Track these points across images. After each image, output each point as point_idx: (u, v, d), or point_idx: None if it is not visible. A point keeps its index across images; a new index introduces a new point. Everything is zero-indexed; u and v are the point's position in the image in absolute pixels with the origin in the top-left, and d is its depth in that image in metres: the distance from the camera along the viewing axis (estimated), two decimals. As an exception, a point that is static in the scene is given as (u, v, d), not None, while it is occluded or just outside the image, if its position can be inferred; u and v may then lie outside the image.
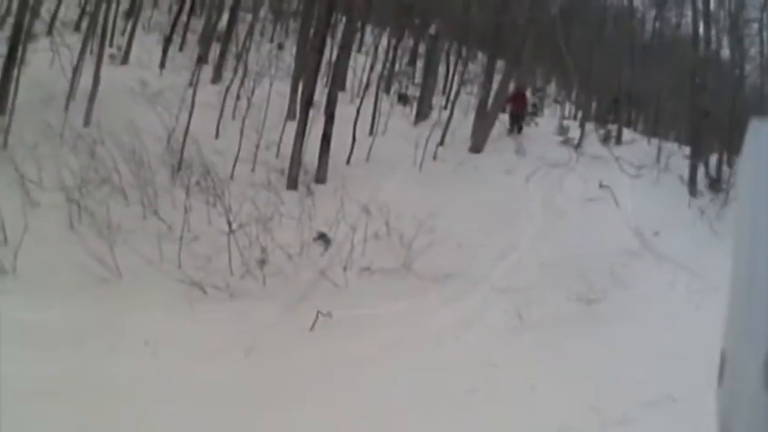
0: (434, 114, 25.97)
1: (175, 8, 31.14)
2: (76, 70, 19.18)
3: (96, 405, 8.07)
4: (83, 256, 11.62)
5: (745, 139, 1.79)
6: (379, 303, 12.63)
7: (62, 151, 15.70)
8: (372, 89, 24.43)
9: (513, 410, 9.57)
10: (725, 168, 23.73)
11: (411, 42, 35.11)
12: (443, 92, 31.36)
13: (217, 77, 24.13)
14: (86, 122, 17.85)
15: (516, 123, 26.79)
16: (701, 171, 22.69)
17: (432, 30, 30.82)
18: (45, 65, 19.96)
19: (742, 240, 1.75)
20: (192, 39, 28.34)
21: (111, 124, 16.66)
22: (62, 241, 12.53)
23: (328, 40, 22.77)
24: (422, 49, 33.54)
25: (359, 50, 30.94)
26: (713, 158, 24.25)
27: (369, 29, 33.87)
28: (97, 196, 13.97)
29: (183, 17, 29.74)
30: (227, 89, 20.55)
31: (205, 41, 26.68)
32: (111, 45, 24.34)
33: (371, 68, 26.82)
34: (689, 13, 30.31)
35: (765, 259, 1.68)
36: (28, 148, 15.25)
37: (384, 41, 31.15)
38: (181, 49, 27.74)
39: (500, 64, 26.44)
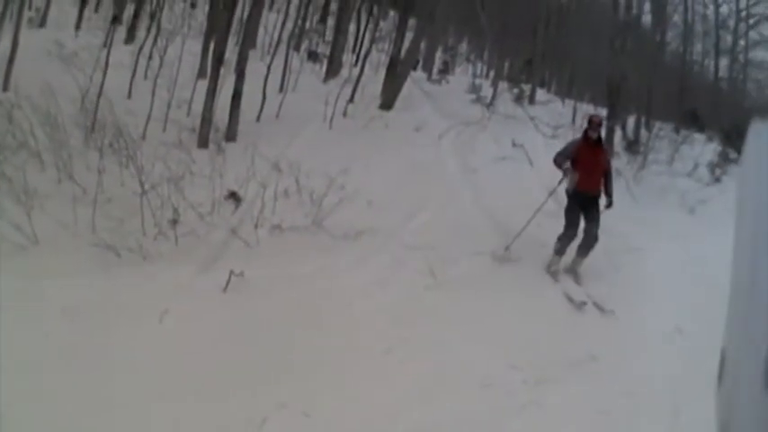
0: (345, 72, 25.81)
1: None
2: (-3, 35, 18.78)
3: (8, 377, 7.80)
4: (1, 223, 11.29)
5: (746, 141, 1.76)
6: (290, 262, 12.41)
7: (-20, 117, 15.32)
8: (283, 47, 24.14)
9: (430, 369, 9.46)
10: (642, 131, 23.89)
11: (322, 0, 34.84)
12: (354, 50, 31.18)
13: (130, 37, 23.78)
14: (5, 87, 17.48)
15: None
16: (618, 134, 22.78)
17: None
18: (-35, 30, 19.53)
19: (742, 241, 1.71)
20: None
21: (29, 88, 16.26)
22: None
23: (240, -2, 22.56)
24: (334, 7, 33.28)
25: (270, 8, 30.67)
26: (630, 121, 24.33)
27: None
28: (15, 162, 13.56)
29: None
30: (140, 49, 20.21)
31: (119, 1, 26.26)
32: (30, 8, 23.90)
33: (283, 26, 26.55)
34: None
35: (766, 260, 1.63)
36: (-53, 115, 14.90)
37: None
38: (96, 9, 27.32)
39: (412, 22, 26.31)
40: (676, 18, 32.22)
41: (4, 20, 19.20)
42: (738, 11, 33.23)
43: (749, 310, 1.61)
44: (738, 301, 1.67)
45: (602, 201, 13.17)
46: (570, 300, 11.99)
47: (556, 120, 23.54)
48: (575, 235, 12.97)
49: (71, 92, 16.94)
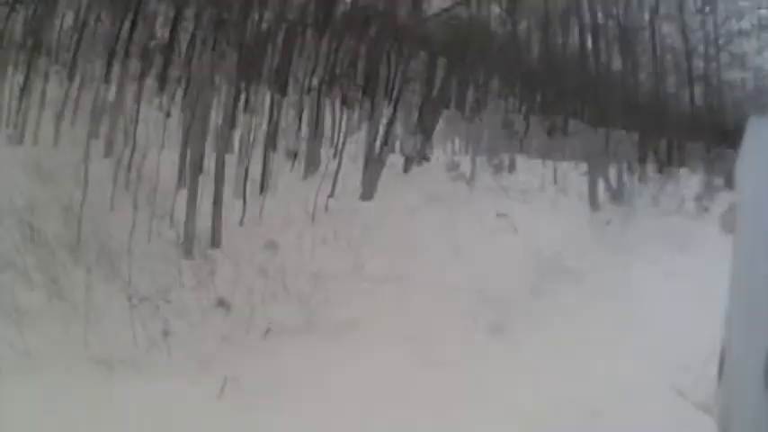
0: (323, 167, 26.13)
1: (67, 83, 30.94)
2: (-27, 153, 19.08)
3: None
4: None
5: (745, 137, 1.96)
6: (284, 363, 12.73)
7: (-38, 236, 15.60)
8: (260, 148, 24.51)
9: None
10: (626, 177, 24.14)
11: (296, 97, 35.19)
12: (331, 142, 31.52)
13: (108, 151, 24.03)
14: (-13, 204, 17.75)
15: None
16: (600, 185, 23.06)
17: (314, 81, 31.12)
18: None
19: (742, 239, 1.90)
20: (84, 113, 28.18)
21: (12, 205, 16.59)
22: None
23: (214, 104, 22.91)
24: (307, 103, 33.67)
25: (245, 110, 30.99)
26: (612, 170, 24.60)
27: (252, 89, 33.99)
28: (2, 281, 13.88)
29: (74, 92, 29.58)
30: (119, 162, 20.50)
31: (96, 115, 26.56)
32: (7, 126, 24.21)
33: (258, 127, 26.93)
34: (575, 29, 30.86)
35: (766, 259, 1.77)
36: (-72, 239, 15.19)
37: (268, 99, 31.26)
38: (72, 124, 27.55)
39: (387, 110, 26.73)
40: (646, 59, 32.70)
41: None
42: (706, 35, 33.72)
43: (749, 310, 1.82)
44: (738, 301, 1.88)
45: None
46: None
47: (535, 184, 24.04)
48: None
49: (52, 209, 17.21)
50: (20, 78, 28.38)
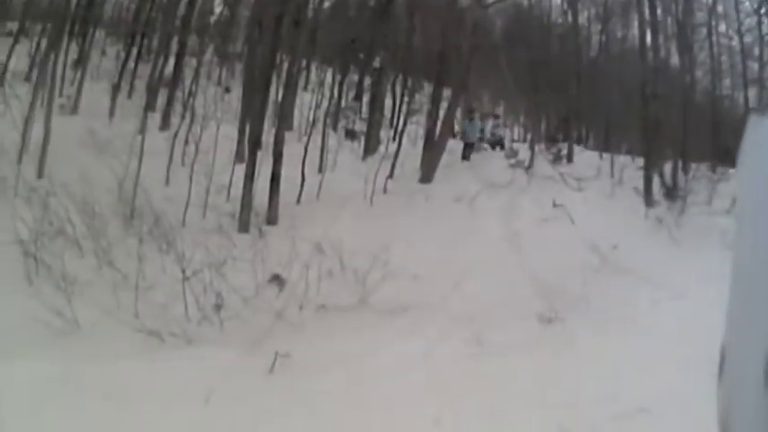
0: (382, 148, 26.00)
1: (123, 55, 31.03)
2: (28, 122, 19.06)
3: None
4: (41, 309, 11.46)
5: (745, 135, 1.80)
6: (336, 341, 12.53)
7: (16, 204, 15.57)
8: (319, 126, 24.38)
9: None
10: (680, 175, 23.88)
11: (356, 77, 35.07)
12: (391, 124, 31.38)
13: (165, 124, 24.06)
14: (39, 174, 17.76)
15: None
16: (656, 181, 22.82)
17: (376, 63, 30.94)
18: (-4, 116, 19.90)
19: (742, 237, 1.75)
20: (141, 85, 28.23)
21: (64, 175, 16.57)
22: (20, 295, 12.33)
23: (273, 80, 22.78)
24: (367, 82, 33.53)
25: (305, 88, 30.96)
26: (667, 167, 24.33)
27: (313, 66, 33.89)
28: (52, 249, 13.82)
29: (131, 64, 29.63)
30: (176, 135, 20.45)
31: (152, 88, 26.59)
32: (61, 95, 24.24)
33: (318, 106, 26.82)
34: (635, 23, 30.49)
35: (766, 257, 1.65)
36: (-19, 203, 15.23)
37: (329, 78, 31.16)
38: (129, 96, 27.62)
39: (446, 92, 26.49)
40: (703, 56, 32.33)
41: (35, 107, 19.48)
42: (761, 36, 33.17)
43: (749, 309, 1.68)
44: (738, 300, 1.75)
45: None
46: None
47: (593, 175, 23.66)
48: None
49: (107, 180, 17.20)
50: (75, 50, 28.58)
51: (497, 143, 31.14)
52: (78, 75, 26.74)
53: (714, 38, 33.18)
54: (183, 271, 13.13)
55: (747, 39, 33.48)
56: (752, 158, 1.82)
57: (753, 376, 1.57)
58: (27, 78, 25.90)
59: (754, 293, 1.67)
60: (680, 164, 25.24)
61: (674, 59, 30.11)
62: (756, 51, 33.54)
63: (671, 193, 22.55)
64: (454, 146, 28.42)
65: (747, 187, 1.82)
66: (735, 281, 1.78)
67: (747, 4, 32.35)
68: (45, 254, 13.51)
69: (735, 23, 33.41)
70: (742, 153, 1.84)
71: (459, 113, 30.15)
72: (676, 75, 30.02)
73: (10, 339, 10.74)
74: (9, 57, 26.71)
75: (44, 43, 23.73)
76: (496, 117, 32.58)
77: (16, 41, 28.04)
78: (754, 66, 33.93)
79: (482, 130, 30.99)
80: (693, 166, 24.23)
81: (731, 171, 23.56)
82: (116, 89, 26.51)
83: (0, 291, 12.26)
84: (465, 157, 27.04)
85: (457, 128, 31.66)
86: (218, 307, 13.08)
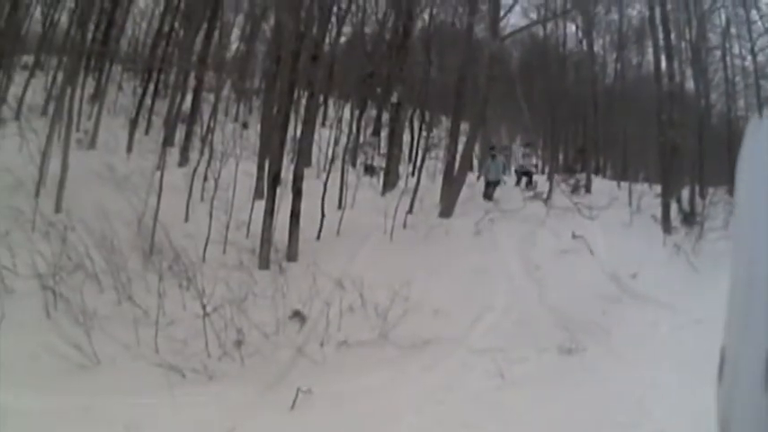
0: (402, 183, 26.07)
1: (140, 91, 31.21)
2: (45, 156, 19.20)
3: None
4: (60, 343, 11.55)
5: (744, 137, 1.82)
6: (358, 376, 12.57)
7: (34, 238, 15.73)
8: (338, 162, 24.46)
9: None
10: (698, 200, 23.93)
11: (374, 112, 35.17)
12: (409, 159, 31.45)
13: (183, 160, 24.17)
14: (57, 209, 17.89)
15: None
16: (673, 208, 22.87)
17: (394, 98, 31.04)
18: (13, 150, 20.10)
19: (741, 239, 1.76)
20: (158, 121, 28.41)
21: (82, 210, 16.73)
22: (39, 328, 12.45)
23: (292, 116, 22.90)
24: (385, 118, 33.63)
25: (323, 124, 31.13)
26: (685, 193, 24.39)
27: (331, 102, 34.03)
28: (71, 283, 13.92)
29: (148, 100, 29.80)
30: (194, 171, 20.54)
31: (170, 123, 26.75)
32: (77, 129, 24.39)
33: (336, 142, 26.90)
34: (650, 50, 30.59)
35: (765, 258, 1.66)
36: (0, 236, 15.32)
37: (347, 113, 31.26)
38: (147, 132, 27.76)
39: (464, 126, 26.56)
40: (718, 78, 32.42)
41: (51, 141, 19.60)
42: None
43: (749, 310, 1.70)
44: (738, 301, 1.77)
45: None
46: None
47: (610, 205, 23.67)
48: None
49: (126, 215, 17.32)
50: (91, 85, 28.79)
51: (525, 174, 30.49)
52: (95, 109, 26.89)
53: (728, 59, 33.29)
54: (204, 307, 13.18)
55: (760, 58, 33.49)
56: (752, 160, 1.83)
57: (752, 378, 1.60)
58: (44, 112, 26.12)
59: (754, 296, 1.69)
60: (697, 189, 25.32)
61: (690, 84, 30.21)
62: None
63: (688, 219, 22.63)
64: (473, 179, 28.51)
65: (747, 189, 1.83)
66: (734, 283, 1.80)
67: (759, 24, 32.33)
68: (63, 288, 13.61)
69: (748, 44, 33.42)
70: (742, 155, 1.86)
71: (478, 149, 30.29)
72: (692, 99, 30.13)
73: (31, 372, 10.84)
74: (25, 90, 26.95)
75: (60, 77, 23.91)
76: (527, 145, 32.19)
77: (32, 75, 28.32)
78: (768, 85, 33.98)
79: (505, 168, 30.51)
80: (711, 190, 24.32)
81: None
82: (133, 124, 26.61)
83: (19, 324, 12.32)
84: (487, 196, 26.63)
85: (476, 164, 31.74)
86: (239, 343, 13.14)
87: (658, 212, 22.66)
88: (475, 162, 31.99)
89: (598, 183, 30.14)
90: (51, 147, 19.64)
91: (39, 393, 10.17)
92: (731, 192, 24.29)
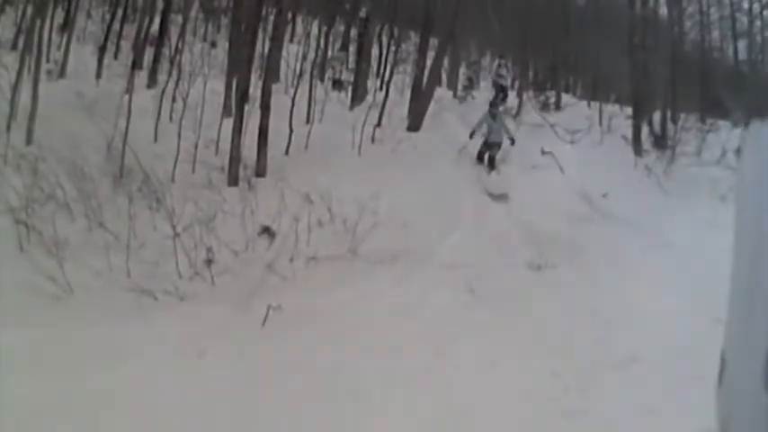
0: (370, 97, 25.89)
1: (108, 17, 30.89)
2: (15, 90, 18.99)
3: (50, 423, 8.06)
4: (34, 276, 11.56)
5: (745, 141, 1.82)
6: (328, 291, 12.65)
7: (7, 173, 15.58)
8: (306, 78, 24.30)
9: (473, 384, 9.67)
10: (669, 125, 23.88)
11: (342, 27, 34.90)
12: (378, 74, 31.26)
13: (152, 82, 23.90)
14: (28, 141, 17.69)
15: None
16: (645, 130, 22.82)
17: (362, 13, 30.78)
18: (-17, 86, 19.83)
19: (742, 241, 1.76)
20: (127, 45, 28.07)
21: (52, 140, 16.54)
22: (13, 263, 12.39)
23: (260, 33, 22.70)
24: (354, 33, 33.38)
25: (291, 40, 30.77)
26: (656, 116, 24.31)
27: (299, 18, 33.72)
28: (42, 214, 13.80)
29: (116, 25, 29.50)
30: (163, 92, 20.36)
31: (138, 47, 26.53)
32: (48, 60, 24.11)
33: (304, 57, 26.68)
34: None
35: (766, 260, 1.67)
36: (-28, 173, 15.23)
37: (315, 29, 31.02)
38: (116, 56, 27.42)
39: (433, 41, 26.40)
40: (692, 9, 32.26)
41: (22, 74, 19.38)
42: None
43: (749, 310, 1.69)
44: (738, 302, 1.76)
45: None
46: None
47: (580, 123, 23.48)
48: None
49: (96, 141, 17.13)
50: (60, 15, 28.45)
51: (500, 91, 29.80)
52: (65, 39, 26.62)
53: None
54: (174, 227, 13.19)
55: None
56: (752, 165, 1.82)
57: (753, 380, 1.59)
58: (14, 47, 25.80)
59: (754, 298, 1.68)
60: (669, 113, 25.23)
61: (663, 11, 30.07)
62: (746, 4, 33.43)
63: (660, 142, 22.59)
64: (442, 93, 28.35)
65: (747, 193, 1.82)
66: (735, 285, 1.79)
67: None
68: (36, 220, 13.52)
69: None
70: (742, 159, 1.85)
71: (447, 63, 30.13)
72: (665, 26, 29.97)
73: (5, 306, 10.84)
74: (-6, 26, 26.65)
75: (30, 10, 23.62)
76: (501, 57, 31.62)
77: (1, 12, 27.95)
78: (743, 18, 33.84)
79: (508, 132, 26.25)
80: (682, 116, 24.22)
81: (721, 122, 23.62)
82: (102, 50, 26.31)
83: (-8, 259, 12.31)
84: (485, 160, 21.37)
85: (444, 79, 31.57)
86: (209, 262, 13.19)
87: (629, 134, 22.64)
88: (443, 77, 31.78)
89: (567, 100, 30.01)
90: (22, 80, 19.43)
91: (15, 327, 10.17)
92: (703, 119, 24.31)
